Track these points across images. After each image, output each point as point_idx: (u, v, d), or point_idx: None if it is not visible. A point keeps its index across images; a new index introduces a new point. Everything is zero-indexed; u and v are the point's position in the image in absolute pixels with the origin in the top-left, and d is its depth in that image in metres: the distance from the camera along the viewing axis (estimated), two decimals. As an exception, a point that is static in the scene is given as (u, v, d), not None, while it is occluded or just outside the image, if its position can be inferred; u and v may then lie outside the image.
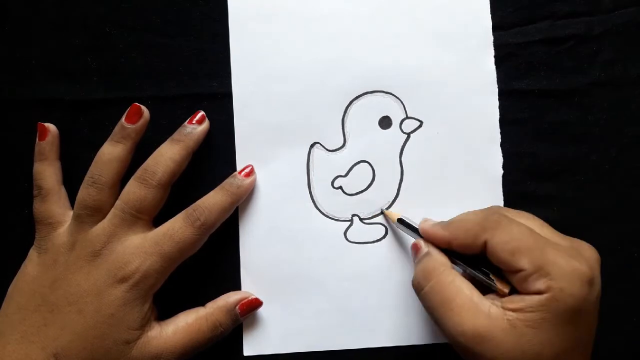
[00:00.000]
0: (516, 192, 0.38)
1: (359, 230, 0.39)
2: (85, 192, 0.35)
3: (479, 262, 0.33)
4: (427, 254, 0.33)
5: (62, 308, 0.33)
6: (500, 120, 0.39)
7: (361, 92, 0.39)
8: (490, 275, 0.32)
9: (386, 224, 0.39)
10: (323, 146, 0.39)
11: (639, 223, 0.38)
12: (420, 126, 0.39)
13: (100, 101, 0.39)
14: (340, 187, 0.39)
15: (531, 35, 0.39)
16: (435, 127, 0.39)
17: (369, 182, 0.39)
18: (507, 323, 0.29)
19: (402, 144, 0.39)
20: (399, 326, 0.38)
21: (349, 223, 0.39)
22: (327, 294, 0.38)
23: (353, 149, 0.39)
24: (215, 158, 0.39)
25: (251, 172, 0.38)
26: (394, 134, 0.39)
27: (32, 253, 0.36)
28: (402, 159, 0.39)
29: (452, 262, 0.33)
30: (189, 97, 0.39)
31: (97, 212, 0.35)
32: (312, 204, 0.39)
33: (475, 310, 0.30)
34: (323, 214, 0.39)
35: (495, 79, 0.39)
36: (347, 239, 0.38)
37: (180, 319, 0.36)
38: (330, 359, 0.38)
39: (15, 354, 0.33)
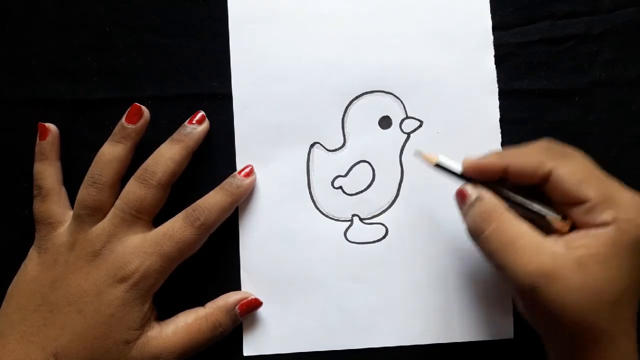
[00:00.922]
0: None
1: (359, 230, 0.39)
2: (85, 192, 0.35)
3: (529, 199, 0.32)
4: (479, 198, 0.31)
5: (62, 308, 0.33)
6: (500, 120, 0.39)
7: (361, 92, 0.39)
8: (549, 209, 0.31)
9: (386, 224, 0.38)
10: (323, 146, 0.39)
11: (639, 223, 0.38)
12: (420, 126, 0.39)
13: (100, 101, 0.39)
14: (340, 187, 0.39)
15: (531, 35, 0.39)
16: (435, 127, 0.39)
17: (369, 182, 0.39)
18: (573, 261, 0.28)
19: (402, 144, 0.39)
20: (399, 326, 0.38)
21: (349, 223, 0.39)
22: (327, 294, 0.38)
23: (353, 149, 0.39)
24: (215, 158, 0.39)
25: (251, 172, 0.38)
26: (394, 134, 0.39)
27: (32, 253, 0.36)
28: (402, 159, 0.39)
29: (518, 202, 0.32)
30: (189, 97, 0.39)
31: (97, 212, 0.35)
32: (312, 204, 0.39)
33: (540, 249, 0.29)
34: (323, 214, 0.39)
35: (495, 79, 0.39)
36: (347, 239, 0.38)
37: (180, 319, 0.36)
38: (330, 359, 0.38)
39: (15, 354, 0.33)
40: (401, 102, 0.39)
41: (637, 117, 0.39)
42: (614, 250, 0.28)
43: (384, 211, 0.39)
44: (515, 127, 0.39)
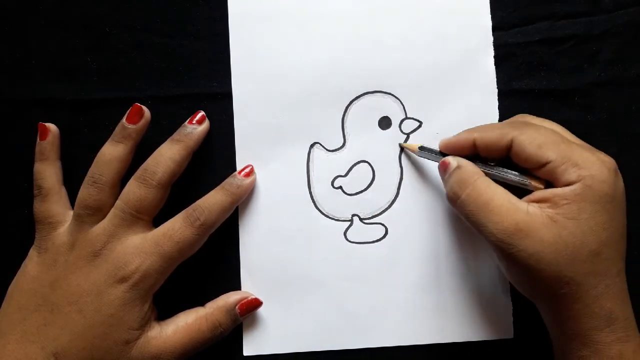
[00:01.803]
0: (516, 192, 0.38)
1: (359, 230, 0.39)
2: (85, 191, 0.35)
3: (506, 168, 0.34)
4: (458, 167, 0.34)
5: (62, 308, 0.33)
6: (500, 120, 0.39)
7: (361, 93, 0.39)
8: (523, 175, 0.33)
9: (386, 224, 0.39)
10: (323, 146, 0.39)
11: (639, 223, 0.38)
12: (419, 126, 0.39)
13: (100, 101, 0.39)
14: (340, 187, 0.39)
15: (531, 35, 0.39)
16: (434, 128, 0.39)
17: (369, 182, 0.39)
18: (547, 218, 0.30)
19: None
20: (399, 326, 0.38)
21: (349, 223, 0.39)
22: (327, 294, 0.38)
23: (353, 149, 0.39)
24: (215, 158, 0.39)
25: (251, 172, 0.38)
26: (393, 135, 0.39)
27: (32, 253, 0.36)
28: (402, 159, 0.39)
29: (490, 172, 0.34)
30: (189, 97, 0.39)
31: (98, 212, 0.35)
32: (312, 204, 0.39)
33: (514, 208, 0.31)
34: (323, 214, 0.39)
35: (495, 79, 0.39)
36: (347, 239, 0.38)
37: (180, 319, 0.36)
38: (330, 359, 0.38)
39: (15, 354, 0.33)
40: (401, 102, 0.39)
41: (637, 117, 0.39)
42: (582, 206, 0.30)
43: (383, 211, 0.39)
44: (515, 127, 0.39)
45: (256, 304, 0.37)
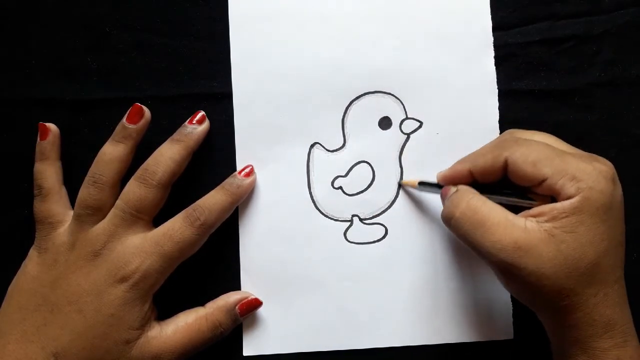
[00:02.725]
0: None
1: (359, 231, 0.38)
2: (86, 191, 0.35)
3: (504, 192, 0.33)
4: (456, 192, 0.33)
5: (62, 308, 0.33)
6: (500, 120, 0.39)
7: (361, 93, 0.39)
8: (525, 197, 0.32)
9: (386, 225, 0.38)
10: (323, 146, 0.39)
11: (639, 223, 0.38)
12: (420, 127, 0.39)
13: (100, 101, 0.39)
14: (340, 188, 0.39)
15: (531, 35, 0.39)
16: (435, 128, 0.39)
17: (369, 182, 0.39)
18: (545, 234, 0.30)
19: (401, 145, 0.39)
20: (399, 326, 0.38)
21: (349, 223, 0.39)
22: (327, 294, 0.38)
23: (353, 149, 0.39)
24: (215, 158, 0.39)
25: (251, 172, 0.38)
26: (393, 135, 0.39)
27: (32, 253, 0.36)
28: (402, 160, 0.39)
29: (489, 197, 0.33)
30: (189, 97, 0.39)
31: (98, 212, 0.35)
32: (312, 204, 0.39)
33: (512, 225, 0.30)
34: (323, 214, 0.39)
35: (495, 80, 0.39)
36: (347, 239, 0.38)
37: (180, 319, 0.36)
38: (331, 359, 0.38)
39: (15, 354, 0.33)
40: (401, 102, 0.39)
41: (637, 117, 0.39)
42: (581, 219, 0.29)
43: (383, 211, 0.39)
44: (515, 127, 0.38)
45: (256, 304, 0.37)
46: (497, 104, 0.39)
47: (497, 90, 0.39)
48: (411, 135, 0.39)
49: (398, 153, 0.39)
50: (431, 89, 0.39)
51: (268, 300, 0.38)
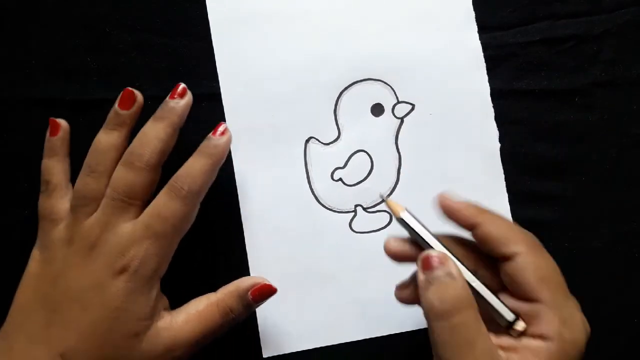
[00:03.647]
0: (516, 192, 0.38)
1: (363, 220, 0.39)
2: (82, 182, 0.34)
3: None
4: (450, 275, 0.28)
5: (65, 306, 0.32)
6: (501, 120, 0.39)
7: (350, 82, 0.39)
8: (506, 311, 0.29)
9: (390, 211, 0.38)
10: (318, 140, 0.39)
11: (639, 223, 0.38)
12: (412, 109, 0.39)
13: (100, 101, 0.39)
14: (340, 179, 0.39)
15: (531, 35, 0.39)
16: (427, 109, 0.39)
17: (368, 170, 0.39)
18: None
19: (396, 129, 0.39)
20: (416, 309, 0.38)
21: (352, 214, 0.39)
22: (339, 286, 0.38)
23: (348, 139, 0.39)
24: (215, 158, 0.38)
25: (225, 131, 0.35)
26: (387, 120, 0.39)
27: (35, 251, 0.35)
28: (399, 144, 0.39)
29: (473, 284, 0.29)
30: (189, 97, 0.39)
31: (93, 202, 0.34)
32: (314, 199, 0.39)
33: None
34: (326, 207, 0.39)
35: (482, 55, 0.39)
36: (352, 230, 0.39)
37: (191, 307, 0.34)
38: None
39: (21, 356, 0.32)
40: (391, 87, 0.39)
41: (637, 117, 0.39)
42: None
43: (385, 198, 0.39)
44: (515, 127, 0.39)
45: (269, 289, 0.35)
46: (486, 77, 0.39)
47: (484, 65, 0.39)
48: (405, 119, 0.39)
49: (394, 138, 0.39)
50: (419, 70, 0.39)
51: (281, 300, 0.37)
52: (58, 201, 0.35)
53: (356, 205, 0.39)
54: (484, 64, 0.39)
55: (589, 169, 0.39)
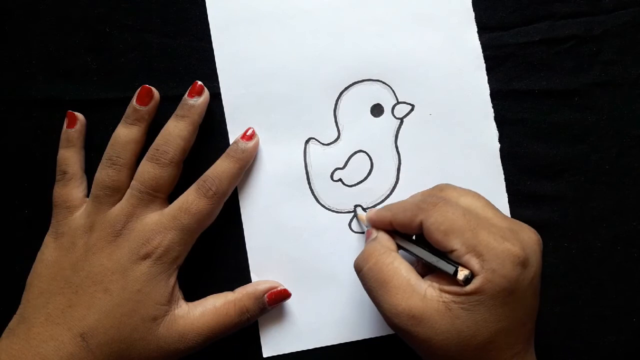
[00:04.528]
0: (516, 192, 0.38)
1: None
2: (104, 173, 0.36)
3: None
4: (375, 238, 0.34)
5: (87, 288, 0.34)
6: (501, 120, 0.39)
7: (349, 83, 0.39)
8: (439, 257, 0.31)
9: None
10: (318, 141, 0.39)
11: (639, 223, 0.38)
12: (412, 110, 0.39)
13: (100, 101, 0.39)
14: (340, 180, 0.39)
15: (531, 35, 0.39)
16: (427, 109, 0.39)
17: (368, 171, 0.39)
18: (442, 305, 0.30)
19: (396, 130, 0.39)
20: None
21: (352, 214, 0.39)
22: (340, 286, 0.38)
23: (348, 140, 0.39)
24: (215, 159, 0.38)
25: (253, 135, 0.38)
26: (387, 121, 0.39)
27: (48, 239, 0.36)
28: (398, 145, 0.39)
29: (407, 248, 0.33)
30: (189, 97, 0.39)
31: (116, 193, 0.36)
32: (313, 199, 0.39)
33: (411, 292, 0.30)
34: (326, 208, 0.39)
35: (482, 54, 0.39)
36: (352, 230, 0.39)
37: (208, 302, 0.36)
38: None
39: (41, 336, 0.33)
40: (390, 88, 0.39)
41: (637, 117, 0.39)
42: (480, 299, 0.29)
43: (385, 198, 0.39)
44: (515, 127, 0.39)
45: (285, 294, 0.37)
46: (486, 78, 0.39)
47: (484, 65, 0.39)
48: (404, 119, 0.39)
49: (393, 139, 0.39)
50: (419, 70, 0.39)
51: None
52: (74, 190, 0.37)
53: (356, 206, 0.39)
54: (484, 64, 0.39)
55: (589, 169, 0.39)
